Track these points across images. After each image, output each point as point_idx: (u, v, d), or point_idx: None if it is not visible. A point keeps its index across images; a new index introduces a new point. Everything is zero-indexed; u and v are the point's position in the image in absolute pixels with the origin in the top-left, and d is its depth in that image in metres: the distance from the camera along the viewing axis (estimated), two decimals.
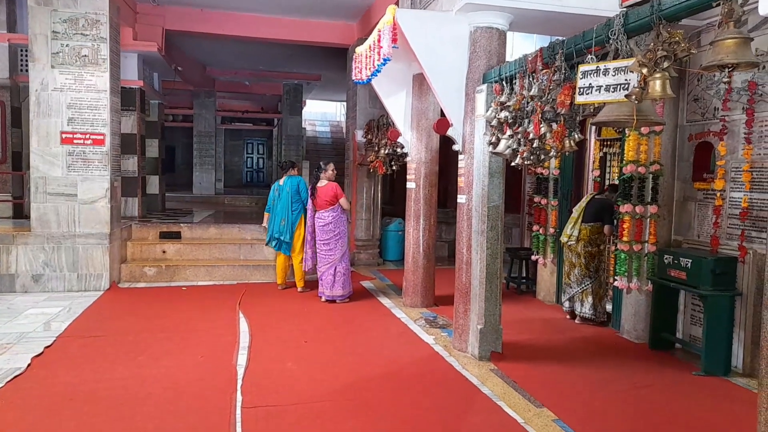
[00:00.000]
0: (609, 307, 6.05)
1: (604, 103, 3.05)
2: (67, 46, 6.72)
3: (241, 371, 4.31)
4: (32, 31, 6.69)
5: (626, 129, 5.16)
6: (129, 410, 3.59)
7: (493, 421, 3.60)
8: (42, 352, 4.59)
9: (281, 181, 7.06)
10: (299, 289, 7.10)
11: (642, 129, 5.04)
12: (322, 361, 4.64)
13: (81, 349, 4.78)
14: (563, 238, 5.98)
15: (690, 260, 4.61)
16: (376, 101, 8.09)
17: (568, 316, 6.10)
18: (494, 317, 4.70)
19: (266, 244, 7.25)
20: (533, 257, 6.83)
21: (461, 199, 4.89)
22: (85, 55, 6.76)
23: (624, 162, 5.33)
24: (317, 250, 6.63)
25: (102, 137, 6.88)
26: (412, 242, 6.53)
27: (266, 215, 7.20)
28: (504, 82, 4.24)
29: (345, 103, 14.76)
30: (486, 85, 4.50)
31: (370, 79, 5.55)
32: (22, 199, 8.42)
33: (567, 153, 3.84)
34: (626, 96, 2.79)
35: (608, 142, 6.25)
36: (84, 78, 6.78)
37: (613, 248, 5.90)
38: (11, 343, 4.80)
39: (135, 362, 4.46)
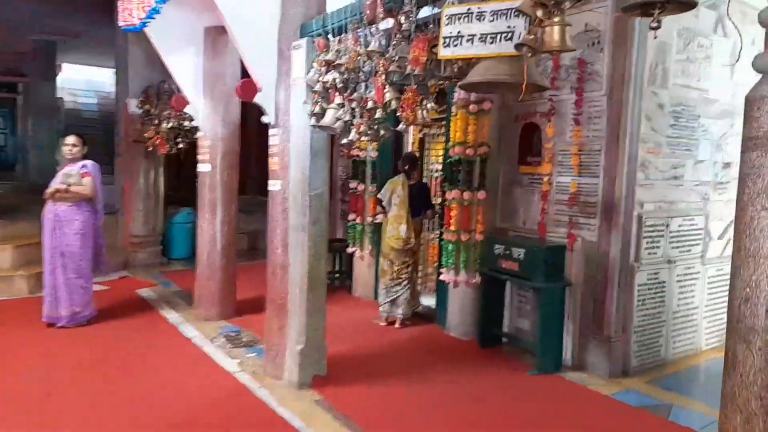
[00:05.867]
0: (430, 302, 5.63)
1: (479, 59, 2.30)
2: None
3: None
4: None
5: (454, 107, 4.64)
6: None
7: None
8: None
9: None
10: None
11: (471, 108, 4.57)
12: (77, 423, 3.21)
13: None
14: (396, 243, 5.08)
15: (523, 250, 4.29)
16: (156, 63, 6.37)
17: (384, 323, 5.23)
18: (318, 333, 3.79)
19: None
20: (349, 249, 6.10)
21: (275, 185, 3.84)
22: None
23: (451, 143, 4.83)
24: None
25: None
26: (206, 239, 5.26)
27: None
28: (331, 36, 3.29)
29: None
30: (306, 39, 3.50)
31: (144, 24, 4.14)
32: None
33: (422, 129, 3.08)
34: (516, 47, 2.07)
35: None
36: None
37: (436, 237, 5.45)
38: None
39: None
